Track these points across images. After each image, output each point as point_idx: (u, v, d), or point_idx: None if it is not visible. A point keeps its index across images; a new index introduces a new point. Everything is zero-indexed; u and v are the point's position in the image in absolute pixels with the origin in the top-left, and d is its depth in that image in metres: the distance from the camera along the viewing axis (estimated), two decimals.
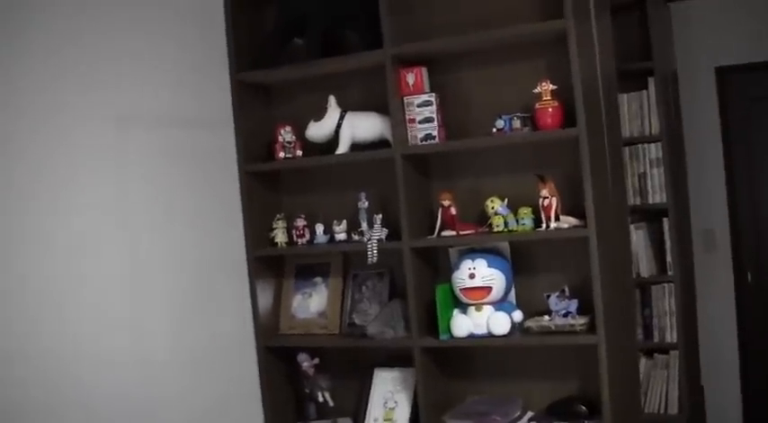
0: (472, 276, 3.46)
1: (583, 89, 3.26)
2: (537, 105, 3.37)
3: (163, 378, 3.48)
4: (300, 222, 3.85)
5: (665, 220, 4.72)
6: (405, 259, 3.56)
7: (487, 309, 3.47)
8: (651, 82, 4.70)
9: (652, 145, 4.69)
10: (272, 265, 3.97)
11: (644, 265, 4.73)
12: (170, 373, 3.52)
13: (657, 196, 4.71)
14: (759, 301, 5.35)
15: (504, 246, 3.60)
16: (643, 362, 4.70)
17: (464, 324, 3.48)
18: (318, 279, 3.95)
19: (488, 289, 3.45)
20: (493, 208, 3.51)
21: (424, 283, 3.59)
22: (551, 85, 3.34)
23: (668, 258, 4.71)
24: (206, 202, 3.74)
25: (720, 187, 5.37)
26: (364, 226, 3.69)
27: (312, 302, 3.93)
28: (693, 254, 5.19)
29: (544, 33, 3.36)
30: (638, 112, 4.70)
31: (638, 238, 4.70)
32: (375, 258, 3.62)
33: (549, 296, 3.47)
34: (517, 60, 3.53)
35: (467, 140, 3.57)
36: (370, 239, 3.62)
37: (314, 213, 3.89)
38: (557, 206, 3.39)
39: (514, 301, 3.59)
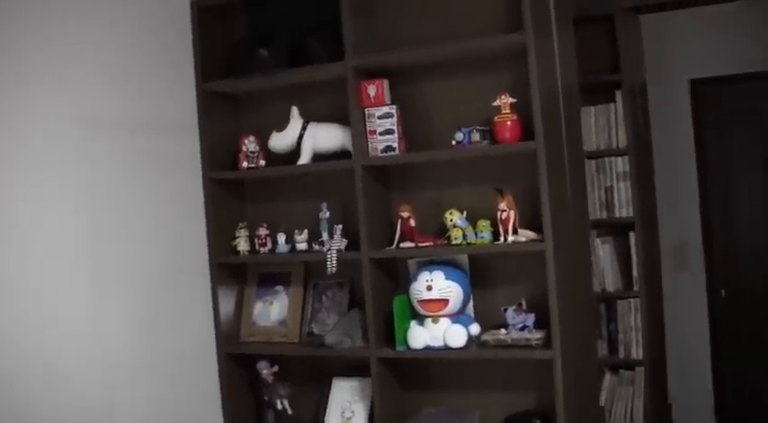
0: (429, 288, 3.45)
1: (542, 103, 3.25)
2: (496, 118, 3.36)
3: (123, 385, 3.46)
4: (263, 231, 3.84)
5: (632, 235, 4.70)
6: (363, 270, 3.54)
7: (444, 321, 3.46)
8: (618, 95, 4.68)
9: (619, 158, 4.66)
10: (234, 273, 3.95)
11: (610, 279, 4.70)
12: (130, 380, 3.50)
13: (624, 210, 4.66)
14: (732, 318, 5.34)
15: (463, 258, 3.59)
16: (608, 378, 4.67)
17: (420, 336, 3.47)
18: (280, 287, 3.93)
19: (445, 301, 3.44)
20: (452, 220, 3.50)
21: (383, 293, 3.57)
22: (510, 99, 3.35)
23: (634, 273, 4.68)
24: (170, 209, 3.73)
25: (693, 201, 5.36)
26: (325, 236, 3.67)
27: (273, 310, 3.91)
28: (662, 269, 5.19)
29: (504, 47, 3.35)
30: (605, 125, 4.67)
31: (605, 252, 4.68)
32: (334, 268, 3.61)
33: (506, 309, 3.45)
34: (479, 73, 3.52)
35: (425, 153, 3.56)
36: (329, 249, 3.62)
37: (277, 222, 3.87)
38: (514, 219, 3.38)
39: (472, 314, 3.58)
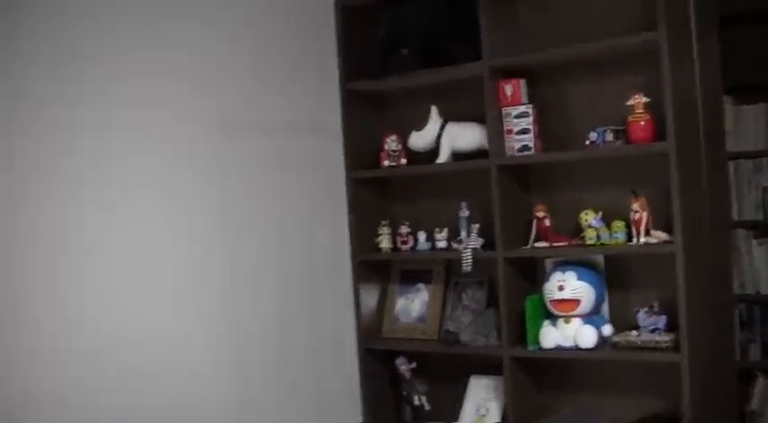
0: (561, 288, 3.44)
1: (676, 103, 3.18)
2: (629, 118, 3.32)
3: (262, 377, 3.58)
4: (404, 229, 3.90)
5: None
6: (498, 269, 3.56)
7: (576, 321, 3.43)
8: None
9: None
10: (377, 270, 4.03)
11: (765, 282, 4.50)
12: (269, 373, 3.61)
13: None
14: None
15: (599, 259, 3.54)
16: (760, 382, 4.48)
17: (551, 335, 3.45)
18: (421, 285, 3.98)
19: (577, 301, 3.41)
20: (587, 220, 3.47)
21: (519, 293, 3.57)
22: (644, 99, 3.30)
23: None
24: (314, 208, 3.84)
25: None
26: (463, 234, 3.70)
27: (414, 307, 3.97)
28: None
29: (637, 46, 3.29)
30: (764, 123, 4.47)
31: (761, 254, 4.48)
32: (470, 267, 3.63)
33: (638, 311, 3.40)
34: (616, 73, 3.46)
35: (559, 153, 3.53)
36: (465, 248, 3.66)
37: (418, 221, 3.94)
38: (647, 221, 3.33)
39: (607, 315, 3.53)
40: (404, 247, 3.90)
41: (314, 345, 3.80)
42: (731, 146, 4.50)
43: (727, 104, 4.51)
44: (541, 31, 3.64)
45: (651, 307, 3.37)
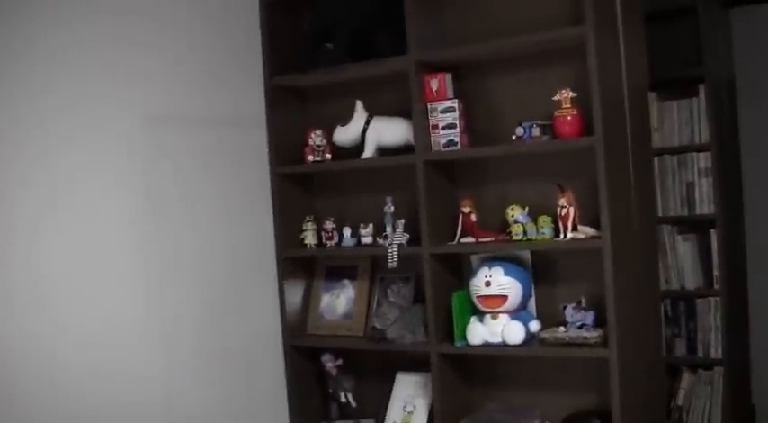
0: (488, 284, 3.36)
1: (603, 98, 3.12)
2: (555, 113, 3.26)
3: (187, 375, 3.48)
4: (329, 225, 3.79)
5: (713, 232, 4.49)
6: (423, 265, 3.48)
7: (503, 317, 3.36)
8: (702, 89, 4.47)
9: (701, 154, 4.44)
10: (302, 266, 3.91)
11: (689, 277, 4.50)
12: (195, 371, 3.51)
13: (705, 207, 4.46)
14: None
15: (525, 255, 3.48)
16: (686, 377, 4.49)
17: (479, 332, 3.37)
18: (346, 281, 3.88)
19: (504, 297, 3.34)
20: (513, 216, 3.40)
21: (446, 289, 3.47)
22: (571, 93, 3.24)
23: (715, 271, 4.48)
24: (237, 203, 3.72)
25: None
26: (389, 230, 3.59)
27: (339, 304, 3.87)
28: (750, 267, 4.97)
29: (564, 41, 3.23)
30: (687, 119, 4.46)
31: (685, 249, 4.48)
32: (395, 263, 3.54)
33: (565, 307, 3.35)
34: (545, 67, 3.40)
35: (485, 148, 3.45)
36: (391, 244, 3.57)
37: (344, 216, 3.83)
38: (574, 216, 3.27)
39: (534, 311, 3.47)
40: (329, 243, 3.79)
41: (240, 343, 3.69)
42: (656, 142, 4.51)
43: (652, 100, 4.51)
44: (470, 24, 3.55)
45: (579, 303, 3.31)
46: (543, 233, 3.32)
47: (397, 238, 3.55)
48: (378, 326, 3.61)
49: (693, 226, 4.56)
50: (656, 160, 4.48)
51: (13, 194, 2.97)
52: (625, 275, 3.20)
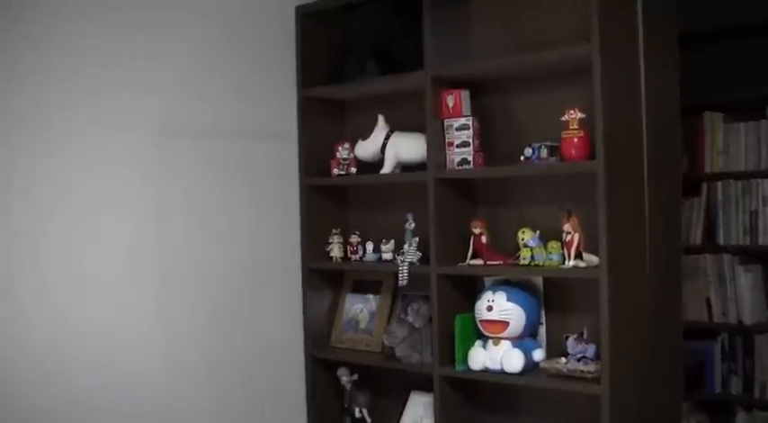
0: (490, 309, 3.16)
1: (612, 120, 2.87)
2: (563, 135, 3.04)
3: (202, 382, 3.43)
4: (355, 239, 3.65)
5: None
6: (431, 285, 3.33)
7: (505, 344, 3.14)
8: None
9: (767, 180, 4.10)
10: (329, 278, 3.79)
11: (748, 311, 4.10)
12: (210, 378, 3.46)
13: None
14: None
15: (538, 280, 3.28)
16: (741, 417, 4.13)
17: (480, 357, 3.17)
18: (370, 296, 3.73)
19: (505, 323, 3.12)
20: (523, 239, 3.19)
21: (455, 310, 3.30)
22: (579, 114, 3.01)
23: None
24: (266, 213, 3.64)
25: None
26: (406, 247, 3.48)
27: (362, 318, 3.72)
28: None
29: (576, 59, 3.02)
30: (754, 143, 4.08)
31: (746, 280, 4.09)
32: (405, 281, 3.37)
33: (567, 337, 3.14)
34: (563, 86, 3.17)
35: (492, 168, 3.25)
36: (403, 261, 3.43)
37: (369, 231, 3.69)
38: (578, 243, 3.04)
39: (544, 339, 3.26)
40: (353, 258, 3.66)
41: (261, 352, 3.60)
42: (720, 166, 4.17)
43: (718, 122, 4.18)
44: (493, 41, 3.35)
45: (581, 334, 3.09)
46: (551, 259, 3.11)
47: (409, 255, 3.41)
48: (386, 343, 3.47)
49: (757, 256, 4.18)
50: (718, 185, 4.15)
51: (27, 195, 2.98)
52: (629, 308, 2.95)
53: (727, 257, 4.13)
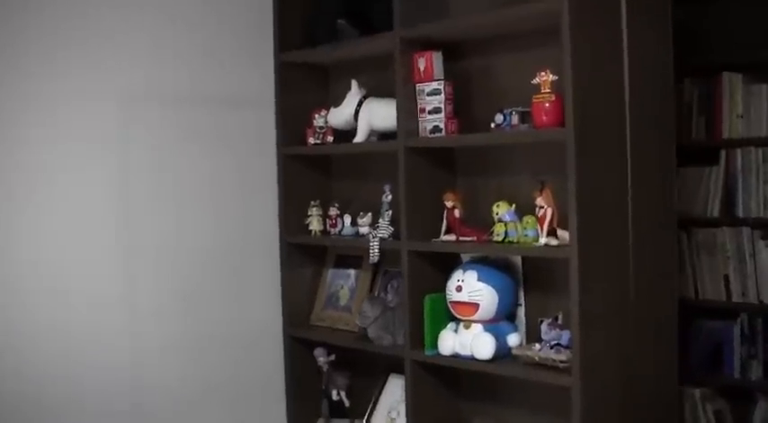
0: (459, 289, 2.84)
1: (582, 82, 2.52)
2: (533, 99, 2.70)
3: (180, 360, 3.23)
4: (334, 211, 3.37)
5: None
6: (402, 261, 3.04)
7: (476, 327, 2.83)
8: None
9: None
10: (311, 253, 3.51)
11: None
12: (187, 356, 3.25)
13: None
14: None
15: (517, 258, 2.96)
16: (762, 405, 3.63)
17: (449, 341, 2.86)
18: (352, 272, 3.44)
19: (475, 305, 2.81)
20: (497, 213, 2.88)
21: (431, 289, 2.97)
22: (552, 76, 2.67)
23: None
24: (245, 184, 3.40)
25: None
26: (381, 221, 3.20)
27: (343, 295, 3.43)
28: None
29: (542, 15, 2.66)
30: None
31: (767, 257, 3.76)
32: (376, 257, 3.08)
33: (542, 322, 2.82)
34: (545, 45, 2.77)
35: (461, 137, 2.93)
36: (374, 236, 3.14)
37: (350, 202, 3.39)
38: (552, 218, 2.71)
39: (523, 323, 2.95)
40: (332, 231, 3.38)
41: (239, 329, 3.37)
42: (740, 131, 3.75)
43: (737, 83, 3.76)
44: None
45: (555, 318, 2.77)
46: (527, 235, 2.79)
47: (381, 230, 3.12)
48: (359, 323, 3.19)
49: None
50: (738, 152, 3.73)
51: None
52: (606, 290, 2.61)
53: (746, 231, 3.69)
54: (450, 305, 2.88)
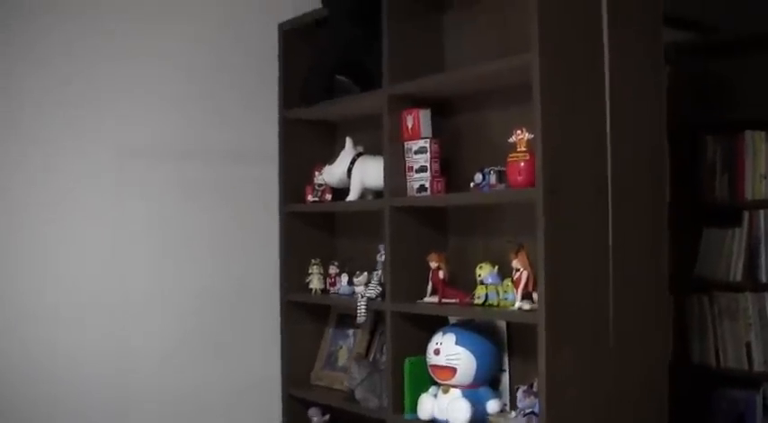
0: (437, 352, 2.68)
1: (553, 140, 2.36)
2: (509, 158, 2.57)
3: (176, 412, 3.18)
4: (333, 269, 3.27)
5: None
6: (386, 322, 2.90)
7: (454, 393, 2.67)
8: None
9: None
10: (312, 312, 3.38)
11: None
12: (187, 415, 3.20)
13: None
14: None
15: (501, 322, 2.80)
16: None
17: (428, 405, 2.70)
18: (350, 331, 3.34)
19: (452, 370, 2.66)
20: (480, 275, 2.73)
21: (416, 351, 2.81)
22: (528, 135, 2.52)
23: None
24: (247, 241, 3.34)
25: None
26: (372, 280, 3.07)
27: (341, 355, 3.32)
28: None
29: (512, 71, 2.53)
30: None
31: None
32: (363, 317, 2.97)
33: (518, 389, 2.65)
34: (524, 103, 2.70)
35: (442, 196, 2.78)
36: (362, 296, 3.01)
37: (355, 261, 3.27)
38: (527, 281, 2.55)
39: (507, 389, 2.78)
40: (332, 290, 3.28)
41: (234, 390, 3.28)
42: (765, 192, 3.53)
43: (761, 142, 3.53)
44: (469, 52, 2.91)
45: (530, 386, 2.59)
46: (506, 298, 2.63)
47: (370, 290, 2.99)
48: (347, 384, 3.06)
49: None
50: (761, 214, 3.49)
51: None
52: (578, 358, 2.42)
53: None
54: (429, 368, 2.73)
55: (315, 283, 3.29)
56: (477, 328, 2.73)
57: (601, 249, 2.49)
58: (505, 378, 2.75)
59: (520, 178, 2.48)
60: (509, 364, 2.75)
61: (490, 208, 2.82)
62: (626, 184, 2.54)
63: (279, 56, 3.36)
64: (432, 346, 2.71)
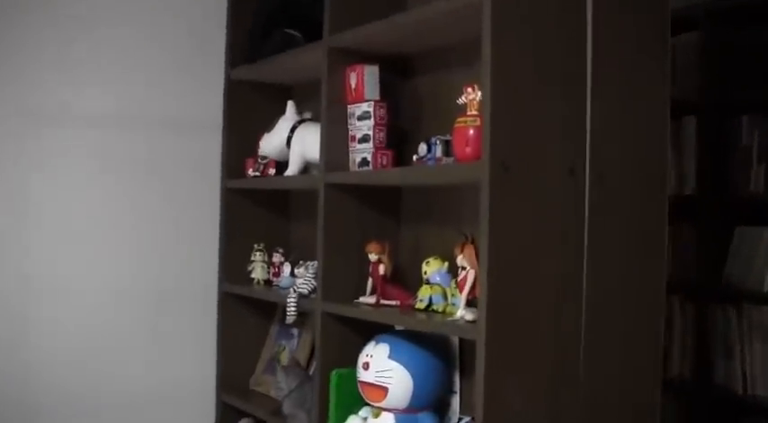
0: (366, 367, 2.10)
1: (520, 101, 1.78)
2: (456, 123, 1.97)
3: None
4: (277, 258, 2.71)
5: None
6: (315, 324, 2.33)
7: (386, 417, 2.09)
8: None
9: None
10: (255, 305, 2.83)
11: None
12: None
13: None
14: None
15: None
16: None
17: None
18: (295, 331, 2.78)
19: (383, 389, 2.08)
20: (426, 272, 2.15)
21: (349, 363, 2.28)
22: (480, 94, 1.92)
23: None
24: (185, 219, 2.82)
25: None
26: (306, 273, 2.49)
27: (282, 358, 2.73)
28: None
29: (467, 18, 1.94)
30: None
31: None
32: (292, 317, 2.40)
33: (460, 420, 2.04)
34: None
35: (379, 173, 2.16)
36: (294, 291, 2.44)
37: (308, 247, 2.74)
38: (473, 284, 1.96)
39: (457, 411, 2.19)
40: (275, 281, 2.72)
41: (165, 395, 2.77)
42: None
43: None
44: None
45: (473, 418, 1.99)
46: (454, 304, 2.04)
47: (301, 285, 2.42)
48: (274, 395, 2.50)
49: None
50: None
51: None
52: (530, 394, 1.82)
53: None
54: (358, 385, 2.16)
55: (258, 273, 2.74)
56: (423, 339, 2.13)
57: (572, 248, 1.87)
58: (456, 401, 2.16)
59: (468, 149, 1.87)
60: (460, 386, 2.16)
61: (446, 189, 2.23)
62: (611, 168, 1.92)
63: (227, 8, 2.80)
64: (361, 359, 2.12)
